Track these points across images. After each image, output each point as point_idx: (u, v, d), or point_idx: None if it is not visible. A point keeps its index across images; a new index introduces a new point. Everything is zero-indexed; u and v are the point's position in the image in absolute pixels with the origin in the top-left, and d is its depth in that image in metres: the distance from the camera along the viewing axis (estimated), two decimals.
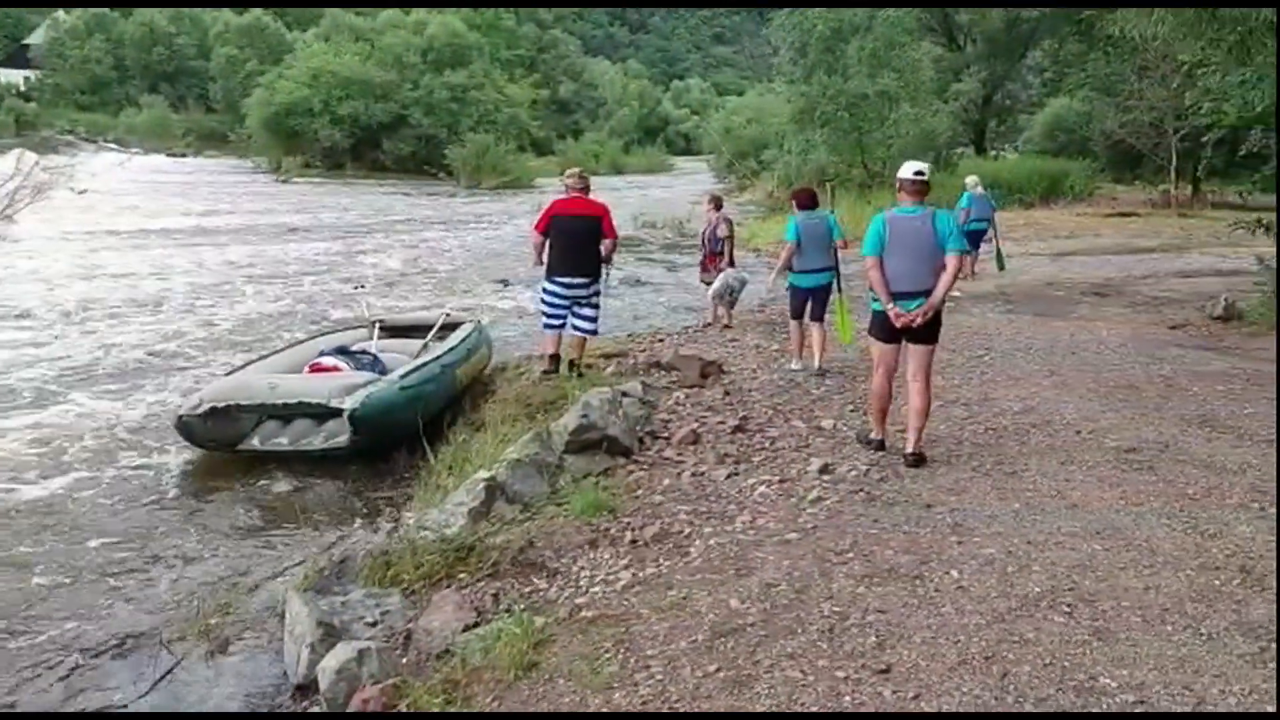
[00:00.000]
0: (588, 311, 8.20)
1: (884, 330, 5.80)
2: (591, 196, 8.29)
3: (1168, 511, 4.91)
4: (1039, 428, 6.51)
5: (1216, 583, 4.09)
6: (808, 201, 8.62)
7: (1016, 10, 33.61)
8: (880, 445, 6.08)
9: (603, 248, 8.13)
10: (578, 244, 8.00)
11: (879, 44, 24.44)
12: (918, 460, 5.78)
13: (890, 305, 5.63)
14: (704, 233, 11.59)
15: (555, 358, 8.28)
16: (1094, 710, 3.19)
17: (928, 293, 5.59)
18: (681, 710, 3.31)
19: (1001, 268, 14.56)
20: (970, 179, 15.28)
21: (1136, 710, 3.19)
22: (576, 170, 8.45)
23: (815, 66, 25.35)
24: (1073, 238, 20.68)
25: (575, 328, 8.23)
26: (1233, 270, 14.36)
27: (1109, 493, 5.22)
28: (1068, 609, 3.88)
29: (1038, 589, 4.06)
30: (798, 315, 8.51)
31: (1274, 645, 3.58)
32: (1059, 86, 34.31)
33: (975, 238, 14.27)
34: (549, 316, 8.25)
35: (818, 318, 8.42)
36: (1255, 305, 10.56)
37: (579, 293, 8.09)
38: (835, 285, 8.57)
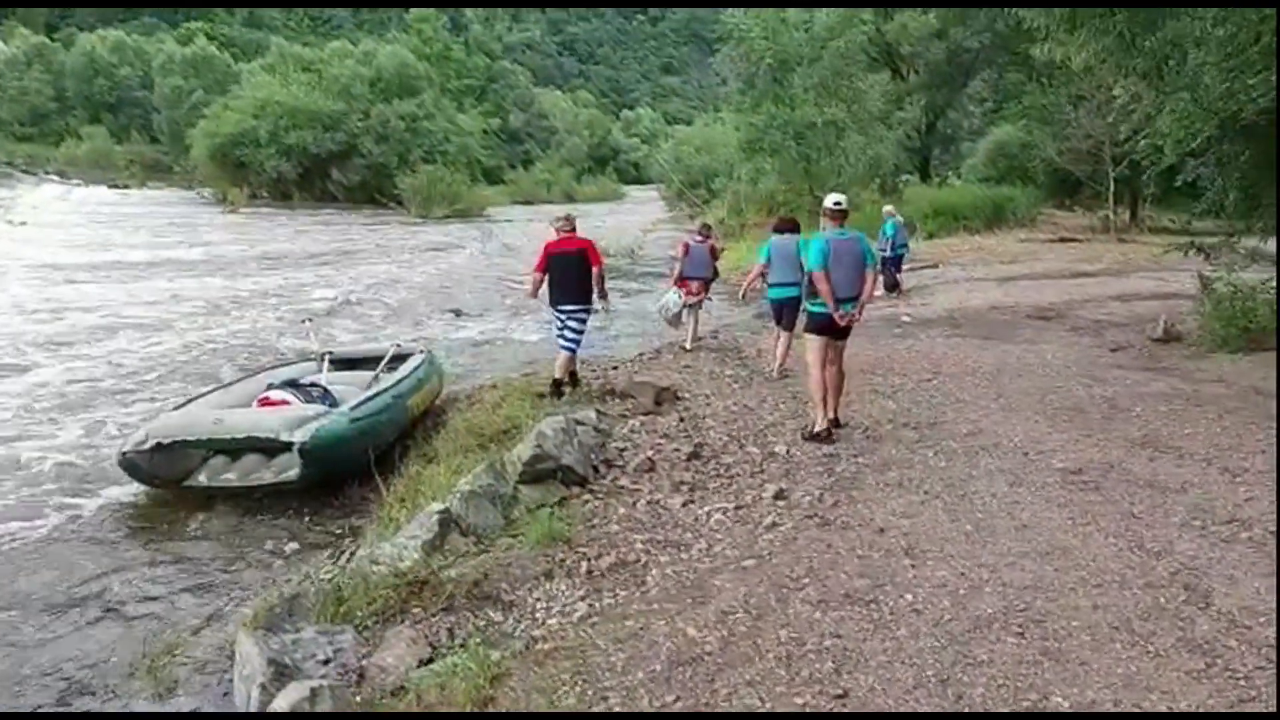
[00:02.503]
0: (571, 331, 8.94)
1: (821, 328, 7.10)
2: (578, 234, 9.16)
3: (1114, 531, 5.01)
4: (988, 450, 6.61)
5: (1162, 601, 4.17)
6: (784, 228, 9.80)
7: (958, 40, 34.41)
8: (829, 432, 7.06)
9: (594, 273, 8.93)
10: (570, 275, 8.87)
11: (827, 73, 24.84)
12: (836, 424, 7.14)
13: (835, 309, 6.94)
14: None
15: (559, 382, 8.95)
16: None
17: (856, 298, 7.03)
18: None
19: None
20: (888, 208, 16.22)
21: None
22: (565, 214, 9.54)
23: (763, 96, 25.69)
24: (1016, 263, 21.07)
25: (561, 346, 9.01)
26: (1171, 294, 14.72)
27: (1057, 513, 5.31)
28: (1019, 630, 3.93)
29: (990, 610, 4.11)
30: (778, 322, 9.62)
31: (1219, 661, 3.65)
32: (999, 115, 35.08)
33: (899, 262, 15.90)
34: (565, 341, 9.00)
35: (788, 327, 9.46)
36: (1194, 327, 10.83)
37: (570, 316, 8.90)
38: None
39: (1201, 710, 3.36)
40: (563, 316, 8.90)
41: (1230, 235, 11.64)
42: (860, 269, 7.04)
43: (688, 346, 11.24)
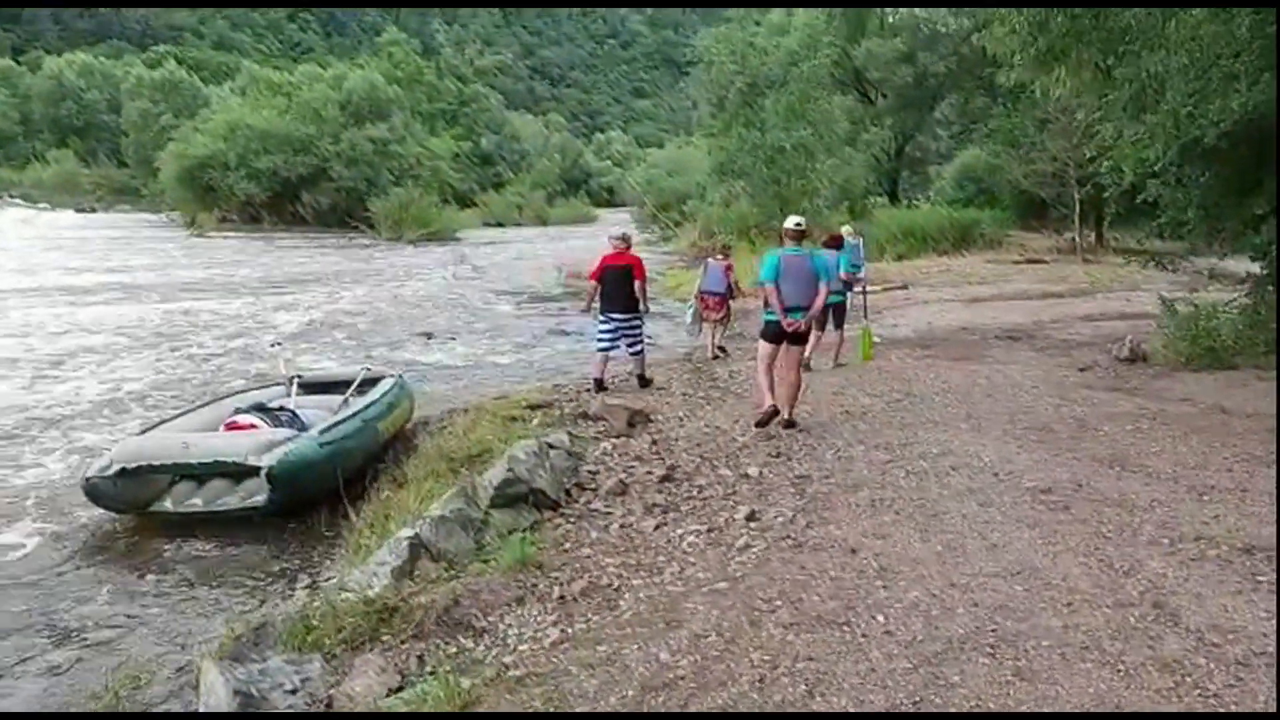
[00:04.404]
0: (634, 338, 10.34)
1: (771, 335, 7.96)
2: (631, 250, 10.59)
3: (1083, 550, 5.03)
4: (958, 470, 6.63)
5: (1131, 619, 4.19)
6: (830, 244, 11.26)
7: (924, 65, 34.91)
8: (774, 411, 7.88)
9: (636, 286, 10.17)
10: (620, 288, 10.15)
11: (794, 97, 25.08)
12: (790, 424, 7.88)
13: (784, 317, 7.76)
14: None
15: (600, 381, 10.23)
16: None
17: (807, 308, 7.80)
18: None
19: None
20: (847, 229, 16.33)
21: None
22: (620, 232, 11.00)
23: (733, 120, 25.89)
24: (985, 284, 21.30)
25: (630, 352, 10.38)
26: (1136, 314, 14.93)
27: (1027, 533, 5.33)
28: (991, 650, 3.93)
29: (962, 631, 4.11)
30: (820, 327, 10.74)
31: (1188, 680, 3.67)
32: (966, 138, 35.57)
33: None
34: (601, 342, 10.34)
35: (838, 325, 11.24)
36: (1159, 347, 10.98)
37: (623, 325, 10.22)
38: (863, 313, 12.33)
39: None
40: (616, 325, 10.21)
41: (1191, 252, 11.88)
42: (810, 282, 7.82)
43: (709, 356, 12.23)
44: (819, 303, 7.89)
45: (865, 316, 12.24)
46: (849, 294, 11.73)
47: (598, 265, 10.39)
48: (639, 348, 10.44)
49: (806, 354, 10.32)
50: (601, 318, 10.31)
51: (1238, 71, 8.83)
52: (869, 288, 17.27)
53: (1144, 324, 12.96)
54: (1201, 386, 9.35)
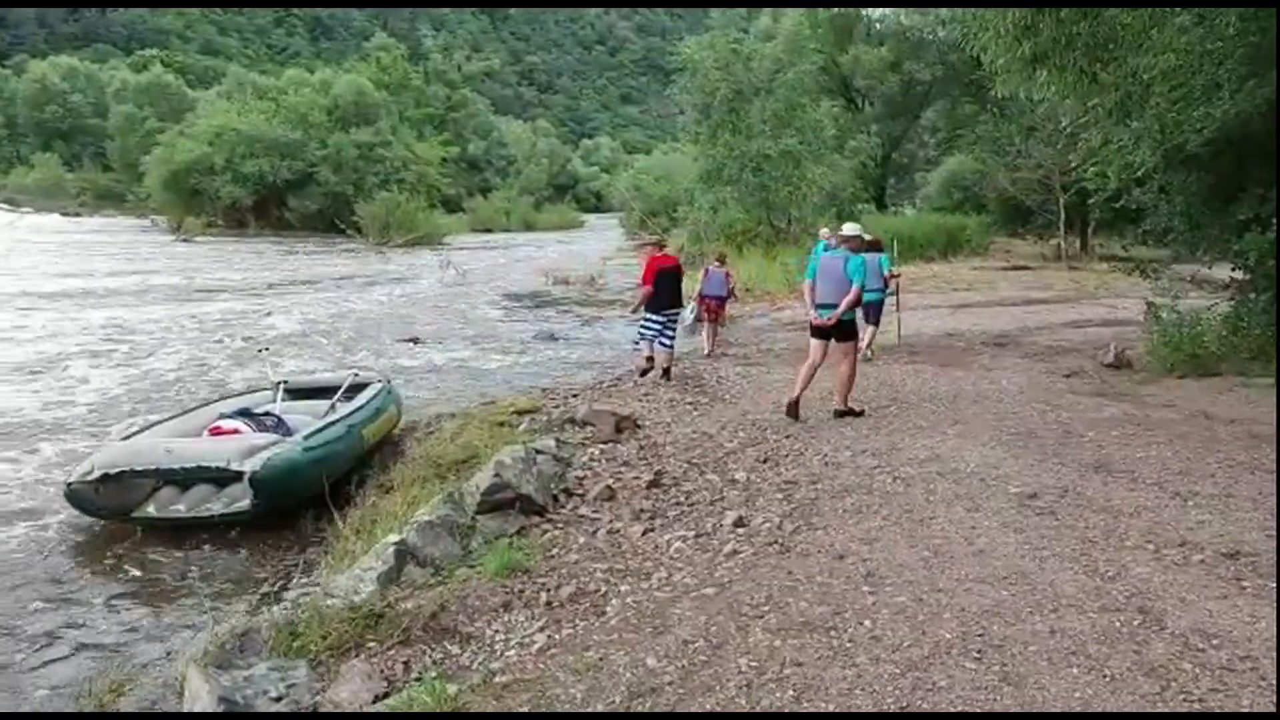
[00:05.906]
0: (671, 333, 11.17)
1: (812, 331, 8.69)
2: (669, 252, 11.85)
3: (1069, 555, 5.04)
4: (945, 476, 6.64)
5: (1117, 624, 4.20)
6: (872, 247, 11.73)
7: (911, 73, 35.06)
8: (795, 404, 8.53)
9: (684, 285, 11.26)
10: (671, 287, 11.07)
11: (780, 105, 25.13)
12: (841, 414, 8.58)
13: (813, 312, 8.54)
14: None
15: (652, 359, 11.16)
16: None
17: (835, 305, 8.37)
18: None
19: None
20: (824, 230, 16.43)
21: None
22: (659, 238, 12.55)
23: (720, 127, 25.92)
24: (971, 290, 21.37)
25: (663, 344, 11.10)
26: (1121, 320, 15.01)
27: (1013, 538, 5.34)
28: (978, 655, 3.94)
29: (949, 636, 4.12)
30: (866, 318, 11.73)
31: (1174, 685, 3.68)
32: (953, 146, 35.74)
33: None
34: (649, 333, 11.15)
35: (874, 321, 12.23)
36: (1143, 353, 11.04)
37: (671, 321, 11.11)
38: (895, 304, 13.30)
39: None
40: (664, 320, 11.00)
41: (1175, 258, 11.95)
42: (842, 283, 8.41)
43: (706, 352, 13.11)
44: (846, 301, 8.37)
45: (896, 309, 13.48)
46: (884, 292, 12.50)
47: (648, 270, 11.05)
48: (673, 343, 11.27)
49: (862, 346, 11.45)
50: (653, 315, 11.05)
51: (1221, 78, 8.89)
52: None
53: (1129, 330, 13.03)
54: (1185, 392, 9.40)
